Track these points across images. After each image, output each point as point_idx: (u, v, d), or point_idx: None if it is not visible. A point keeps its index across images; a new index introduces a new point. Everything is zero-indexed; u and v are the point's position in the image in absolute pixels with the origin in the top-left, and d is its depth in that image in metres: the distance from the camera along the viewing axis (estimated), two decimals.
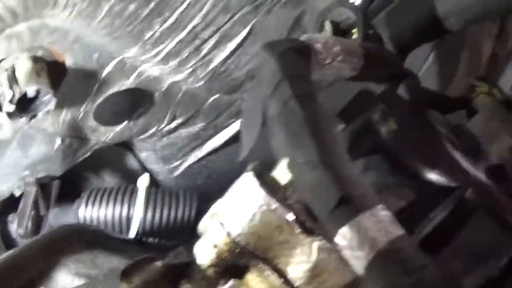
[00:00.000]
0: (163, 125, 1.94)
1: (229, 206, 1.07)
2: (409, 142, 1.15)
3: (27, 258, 1.26)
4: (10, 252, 1.27)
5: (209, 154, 2.17)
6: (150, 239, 1.83)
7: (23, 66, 1.50)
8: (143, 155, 2.12)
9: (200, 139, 2.09)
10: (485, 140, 1.25)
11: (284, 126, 0.93)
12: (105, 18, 1.48)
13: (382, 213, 0.85)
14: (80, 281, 1.38)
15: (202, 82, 1.80)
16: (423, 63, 2.23)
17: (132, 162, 2.15)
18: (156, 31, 1.57)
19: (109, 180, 2.17)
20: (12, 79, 1.49)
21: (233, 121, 2.04)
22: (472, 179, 1.15)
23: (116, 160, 2.15)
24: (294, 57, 1.01)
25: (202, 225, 1.15)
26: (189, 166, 2.19)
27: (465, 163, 1.18)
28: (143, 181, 1.83)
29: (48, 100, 1.55)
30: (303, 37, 1.08)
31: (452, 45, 2.25)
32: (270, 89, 0.96)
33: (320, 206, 0.87)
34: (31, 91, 1.49)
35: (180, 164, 2.17)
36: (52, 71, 1.56)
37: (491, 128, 1.28)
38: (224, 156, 2.21)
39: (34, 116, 1.59)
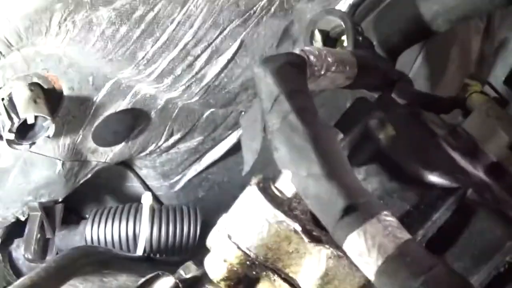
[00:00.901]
0: (161, 142, 1.95)
1: (236, 220, 1.08)
2: (407, 146, 1.16)
3: (41, 284, 1.27)
4: (27, 276, 1.28)
5: (209, 166, 2.19)
6: (158, 256, 1.84)
7: (20, 95, 1.51)
8: (143, 172, 2.14)
9: (198, 153, 2.11)
10: (482, 138, 1.26)
11: (285, 141, 0.94)
12: (98, 42, 1.50)
13: (388, 219, 0.87)
14: None
15: (197, 97, 1.81)
16: (413, 63, 2.24)
17: (133, 180, 2.16)
18: (148, 51, 1.59)
19: (111, 199, 2.19)
20: (10, 108, 1.50)
21: (230, 133, 2.05)
22: (472, 178, 1.17)
23: (117, 179, 2.16)
24: (290, 71, 1.03)
25: (210, 240, 1.16)
26: (190, 180, 2.21)
27: (464, 163, 1.19)
28: (146, 199, 1.84)
29: (47, 126, 1.56)
30: (296, 50, 1.09)
31: (440, 43, 2.26)
32: (269, 105, 0.98)
33: (327, 216, 0.88)
34: (29, 119, 1.49)
35: (181, 179, 2.19)
36: (49, 97, 1.57)
37: (487, 126, 1.29)
38: (224, 168, 2.22)
39: (34, 143, 1.60)
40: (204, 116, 1.95)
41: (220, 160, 2.17)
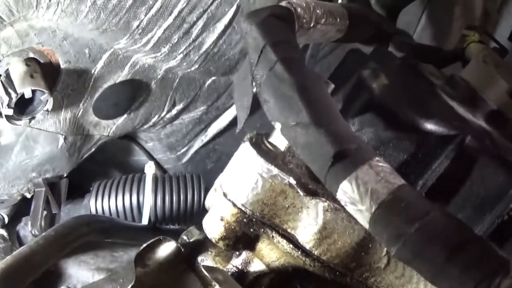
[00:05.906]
0: (164, 113, 1.94)
1: (231, 177, 1.08)
2: (402, 95, 1.14)
3: (40, 252, 1.26)
4: (23, 247, 1.27)
5: (215, 137, 2.17)
6: (164, 225, 1.83)
7: (17, 70, 1.51)
8: (149, 145, 2.13)
9: (203, 123, 2.10)
10: (480, 86, 1.25)
11: (272, 91, 0.93)
12: (90, 13, 1.49)
13: (380, 164, 0.85)
14: (100, 276, 1.39)
15: (197, 65, 1.79)
16: (417, 23, 2.22)
17: (139, 154, 2.15)
18: (142, 20, 1.57)
19: (119, 173, 2.18)
20: (8, 84, 1.50)
21: (234, 102, 2.04)
22: (471, 126, 1.15)
23: (124, 154, 2.16)
24: (276, 23, 1.02)
25: (208, 201, 1.16)
26: (196, 152, 2.20)
27: (463, 111, 1.18)
28: (149, 169, 1.83)
29: (45, 100, 1.56)
30: (283, 3, 1.08)
31: (444, 2, 2.24)
32: (256, 57, 0.96)
33: (317, 165, 0.87)
34: (27, 93, 1.49)
35: (187, 151, 2.18)
36: (47, 71, 1.56)
37: (485, 73, 1.27)
38: (231, 137, 2.21)
39: (33, 117, 1.60)
40: (206, 85, 1.93)
41: (227, 129, 2.15)
